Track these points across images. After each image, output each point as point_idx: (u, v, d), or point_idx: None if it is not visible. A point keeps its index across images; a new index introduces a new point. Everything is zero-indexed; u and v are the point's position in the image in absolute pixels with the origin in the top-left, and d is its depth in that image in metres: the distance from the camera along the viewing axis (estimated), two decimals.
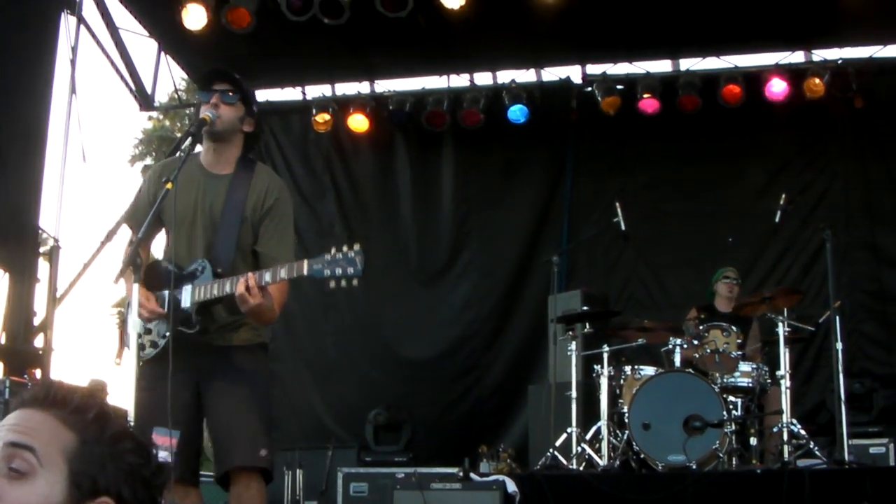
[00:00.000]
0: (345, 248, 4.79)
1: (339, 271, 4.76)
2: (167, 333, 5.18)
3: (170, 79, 13.01)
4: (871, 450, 9.95)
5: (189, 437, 5.25)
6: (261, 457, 5.23)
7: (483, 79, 13.41)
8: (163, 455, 5.11)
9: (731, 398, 9.30)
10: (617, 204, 10.41)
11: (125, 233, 5.71)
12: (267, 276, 4.97)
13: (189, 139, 5.36)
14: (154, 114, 28.62)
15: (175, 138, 31.80)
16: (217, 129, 5.34)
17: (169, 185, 5.00)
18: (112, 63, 12.55)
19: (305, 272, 4.85)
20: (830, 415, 10.52)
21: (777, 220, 9.46)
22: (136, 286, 4.94)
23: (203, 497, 5.57)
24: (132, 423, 4.80)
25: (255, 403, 5.32)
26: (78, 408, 2.14)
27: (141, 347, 5.20)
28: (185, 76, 14.34)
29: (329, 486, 10.71)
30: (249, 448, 5.22)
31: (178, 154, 14.02)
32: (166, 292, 5.23)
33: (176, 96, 15.99)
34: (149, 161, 33.49)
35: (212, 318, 5.25)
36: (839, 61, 12.20)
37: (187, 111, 20.97)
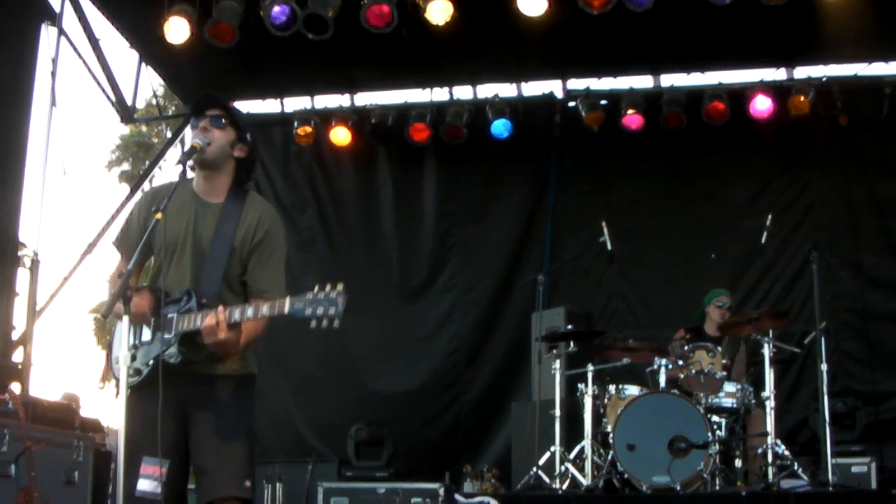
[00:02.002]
0: (327, 288, 4.72)
1: (320, 311, 4.68)
2: (151, 361, 5.11)
3: (149, 87, 12.92)
4: (854, 469, 9.93)
5: (177, 467, 5.19)
6: (245, 487, 5.17)
7: (464, 92, 13.38)
8: (151, 485, 5.05)
9: (716, 418, 9.30)
10: (603, 224, 10.39)
11: (110, 251, 5.61)
12: (249, 312, 4.90)
13: (181, 169, 5.26)
14: None
15: (152, 144, 31.76)
16: (207, 157, 5.27)
17: (159, 216, 4.93)
18: (93, 75, 12.47)
19: (287, 311, 4.78)
20: (812, 433, 10.55)
21: (763, 240, 9.46)
22: (125, 318, 4.88)
23: None
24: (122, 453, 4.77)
25: (238, 434, 5.25)
26: None
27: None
28: (164, 83, 14.25)
29: (309, 501, 10.66)
30: (234, 479, 5.15)
31: (158, 169, 13.98)
32: (156, 316, 5.16)
33: (154, 103, 15.92)
34: (126, 167, 33.37)
35: (197, 348, 5.18)
36: (823, 79, 12.20)
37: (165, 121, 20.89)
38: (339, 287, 4.71)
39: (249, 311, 4.91)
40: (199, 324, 4.98)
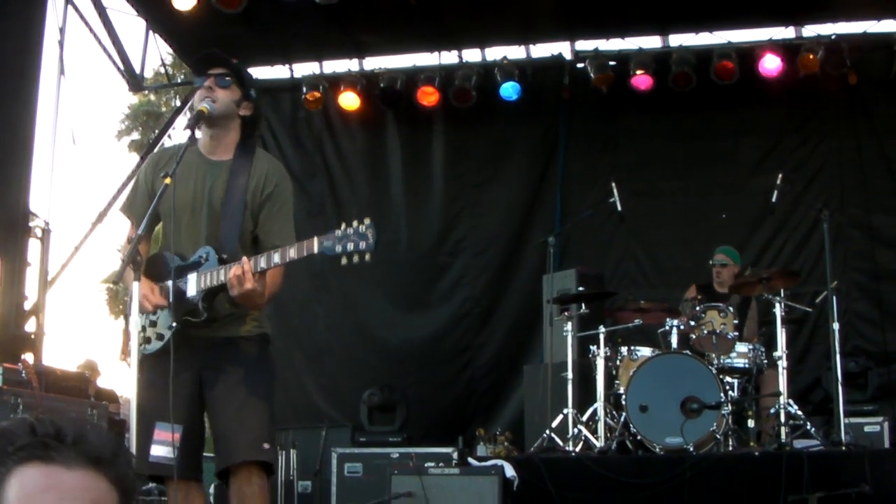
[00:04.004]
0: (355, 223, 4.68)
1: (350, 247, 4.65)
2: (173, 325, 5.11)
3: (157, 55, 12.90)
4: (867, 428, 9.93)
5: (191, 433, 5.19)
6: (264, 450, 5.16)
7: (472, 55, 13.33)
8: (165, 450, 5.06)
9: (728, 379, 9.28)
10: (613, 184, 10.37)
11: (119, 219, 5.61)
12: (276, 258, 4.88)
13: (189, 133, 5.24)
14: None
15: (161, 113, 31.73)
16: (213, 116, 5.27)
17: (167, 181, 4.93)
18: (101, 44, 12.45)
19: (316, 250, 4.75)
20: (825, 393, 10.56)
21: (773, 199, 9.43)
22: (136, 284, 4.87)
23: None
24: (135, 418, 4.78)
25: (258, 396, 5.24)
26: (125, 465, 2.08)
27: (146, 341, 5.14)
28: (172, 51, 14.22)
29: (323, 467, 10.68)
30: (253, 442, 5.14)
31: (167, 137, 13.95)
32: (170, 282, 5.16)
33: (163, 71, 15.90)
34: (135, 136, 33.37)
35: (216, 309, 5.18)
36: (832, 37, 12.13)
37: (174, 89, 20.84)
38: (367, 220, 4.68)
39: (276, 257, 4.90)
40: (223, 278, 4.97)
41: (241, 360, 5.28)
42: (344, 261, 4.68)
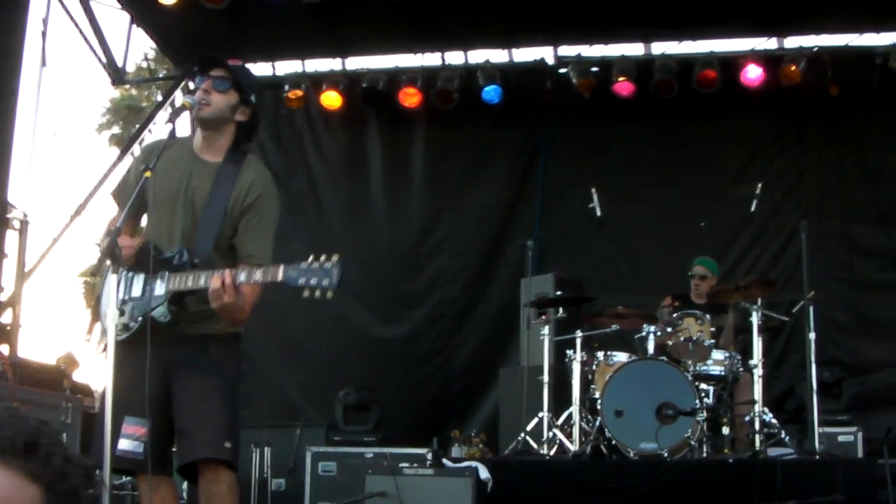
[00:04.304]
0: (322, 258, 4.69)
1: (314, 281, 4.65)
2: (140, 318, 5.09)
3: (140, 49, 12.87)
4: (840, 438, 9.98)
5: (160, 427, 5.18)
6: (225, 448, 5.15)
7: (455, 58, 13.33)
8: (133, 444, 5.05)
9: (703, 386, 9.33)
10: (593, 190, 10.38)
11: (106, 202, 5.62)
12: (242, 276, 4.87)
13: (170, 128, 5.25)
14: None
15: (142, 107, 31.61)
16: (205, 116, 5.25)
17: (147, 174, 4.91)
18: (83, 36, 12.41)
19: (280, 278, 4.75)
20: (799, 401, 10.57)
21: (753, 208, 9.47)
22: (112, 277, 4.86)
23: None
24: (104, 409, 4.76)
25: (221, 395, 5.24)
26: (46, 457, 1.93)
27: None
28: (154, 45, 14.19)
29: (297, 465, 10.65)
30: (214, 440, 5.14)
31: (147, 132, 13.92)
32: (140, 276, 5.14)
33: (145, 65, 15.86)
34: (116, 130, 33.25)
35: (184, 308, 5.17)
36: (815, 48, 12.17)
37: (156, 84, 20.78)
38: (335, 258, 4.69)
39: (242, 276, 4.89)
40: (191, 284, 4.97)
41: (207, 358, 5.28)
42: (306, 293, 4.67)
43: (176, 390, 5.24)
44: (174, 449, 5.45)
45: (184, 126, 10.19)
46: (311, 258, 4.70)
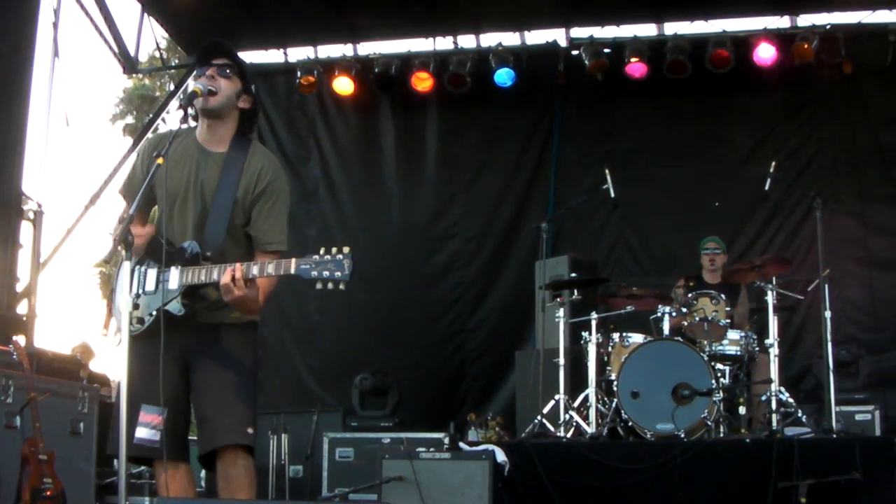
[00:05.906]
0: (334, 251, 4.70)
1: (326, 274, 4.68)
2: (154, 311, 5.10)
3: (152, 39, 12.84)
4: (857, 416, 9.97)
5: (177, 414, 5.21)
6: (247, 434, 5.18)
7: (467, 41, 13.33)
8: (150, 433, 5.07)
9: (720, 366, 9.29)
10: (606, 171, 10.34)
11: (115, 201, 5.60)
12: (254, 270, 4.89)
13: (182, 114, 5.23)
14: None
15: (155, 97, 31.65)
16: (211, 106, 5.24)
17: (160, 161, 4.91)
18: (96, 26, 12.43)
19: (293, 271, 4.76)
20: (816, 380, 10.54)
21: (767, 187, 9.42)
22: (126, 264, 4.87)
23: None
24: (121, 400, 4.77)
25: (242, 381, 5.26)
26: None
27: (129, 322, 5.13)
28: (167, 35, 14.19)
29: (315, 451, 10.65)
30: (236, 427, 5.16)
31: (161, 121, 13.93)
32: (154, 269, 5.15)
33: (158, 55, 15.87)
34: (129, 120, 33.29)
35: (200, 298, 5.17)
36: (828, 26, 12.12)
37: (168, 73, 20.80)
38: (346, 250, 4.71)
39: (255, 269, 4.91)
40: (204, 278, 4.98)
41: (226, 346, 5.29)
42: (318, 286, 4.70)
43: (196, 378, 5.26)
44: (192, 437, 5.47)
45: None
46: (322, 251, 4.72)
